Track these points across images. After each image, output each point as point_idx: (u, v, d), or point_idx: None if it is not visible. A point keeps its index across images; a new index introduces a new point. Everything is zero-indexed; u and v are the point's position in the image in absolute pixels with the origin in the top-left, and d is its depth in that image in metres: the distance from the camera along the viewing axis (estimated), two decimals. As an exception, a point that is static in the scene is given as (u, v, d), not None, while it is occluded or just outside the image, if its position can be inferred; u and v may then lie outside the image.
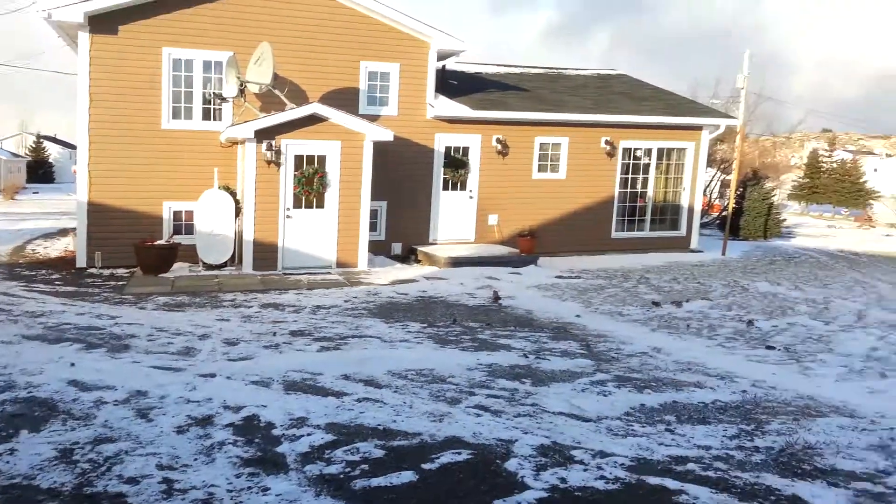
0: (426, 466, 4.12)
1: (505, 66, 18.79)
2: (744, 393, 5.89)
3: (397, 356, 6.74)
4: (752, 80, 18.82)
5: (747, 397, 5.77)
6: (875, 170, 63.40)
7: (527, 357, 6.91)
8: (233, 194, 12.08)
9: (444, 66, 15.01)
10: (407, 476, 3.96)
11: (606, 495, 3.80)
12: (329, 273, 12.04)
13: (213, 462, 4.07)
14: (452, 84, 15.56)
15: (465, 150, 14.66)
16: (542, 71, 18.94)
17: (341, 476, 3.94)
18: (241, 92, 12.33)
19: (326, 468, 4.03)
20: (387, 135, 12.34)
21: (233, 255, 12.12)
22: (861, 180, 44.43)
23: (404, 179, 14.12)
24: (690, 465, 4.26)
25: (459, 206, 14.77)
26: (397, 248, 14.27)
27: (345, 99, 13.12)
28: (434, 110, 14.01)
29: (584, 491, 3.84)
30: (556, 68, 19.43)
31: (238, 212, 12.03)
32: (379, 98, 13.80)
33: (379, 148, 12.70)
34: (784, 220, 24.81)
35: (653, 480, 3.99)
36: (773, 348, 7.76)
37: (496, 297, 10.33)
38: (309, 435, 4.54)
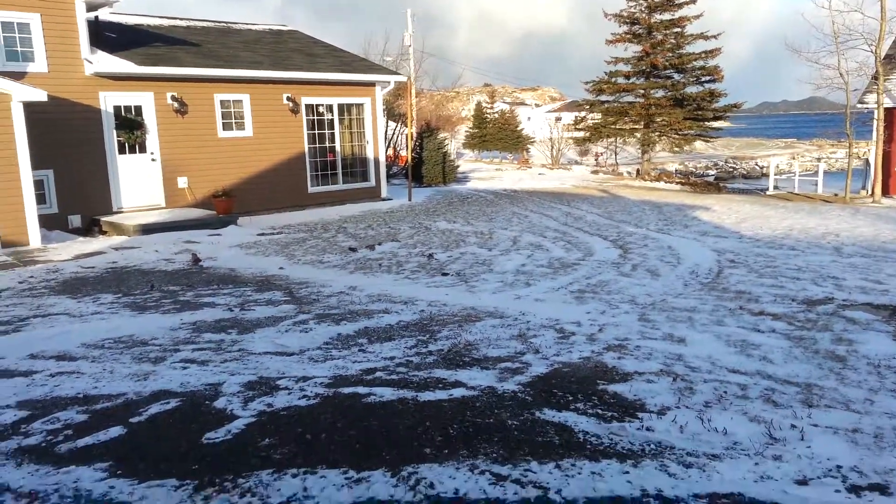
0: (134, 420, 4.26)
1: (168, 17, 17.85)
2: (422, 312, 6.95)
3: (91, 328, 6.48)
4: (417, 38, 20.59)
5: (424, 315, 6.83)
6: (528, 118, 73.53)
7: (231, 311, 7.16)
8: None
9: (96, 18, 13.78)
10: (115, 431, 4.07)
11: (308, 409, 4.37)
12: (-7, 255, 10.63)
13: None
14: (111, 37, 14.40)
15: (139, 109, 13.84)
16: (210, 24, 18.39)
17: (43, 445, 3.90)
18: None
19: (25, 440, 3.95)
20: (38, 94, 11.09)
21: None
22: (518, 128, 51.24)
23: (71, 144, 12.90)
24: (378, 374, 5.04)
25: (142, 170, 13.98)
26: (76, 220, 13.07)
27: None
28: (94, 66, 12.90)
29: (288, 410, 4.37)
30: (226, 22, 19.01)
31: None
32: (22, 53, 12.25)
33: (34, 110, 11.40)
34: (459, 166, 27.83)
35: (347, 390, 4.68)
36: (447, 274, 9.08)
37: (196, 260, 10.23)
38: (-2, 415, 4.33)
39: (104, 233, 12.98)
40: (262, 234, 13.08)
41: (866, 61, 21.35)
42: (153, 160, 14.09)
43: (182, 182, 14.46)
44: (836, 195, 21.72)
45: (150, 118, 13.95)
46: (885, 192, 20.81)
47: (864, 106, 21.53)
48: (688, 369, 5.03)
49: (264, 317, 6.91)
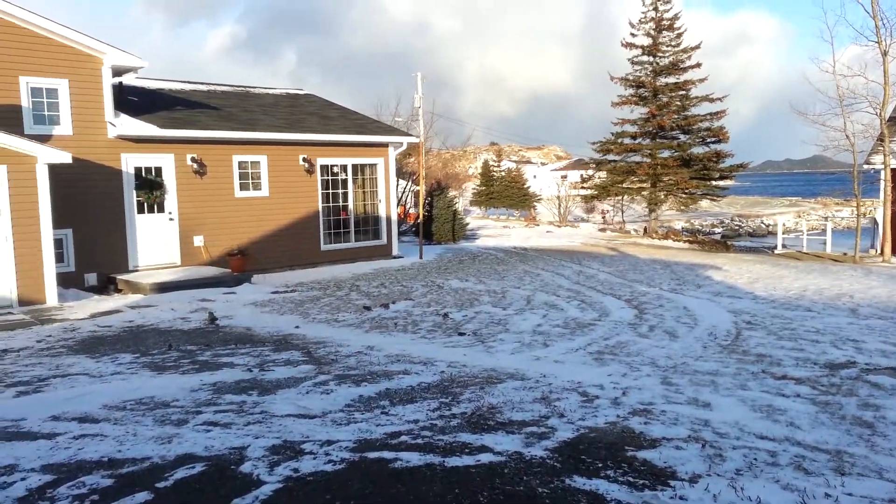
0: (161, 485, 4.22)
1: (190, 82, 18.42)
2: (442, 373, 6.93)
3: (112, 389, 6.48)
4: (427, 99, 21.26)
5: (445, 376, 6.81)
6: (535, 176, 74.52)
7: (251, 371, 7.16)
8: None
9: (121, 83, 14.25)
10: (142, 497, 4.04)
11: (335, 475, 4.34)
12: (11, 313, 10.71)
13: None
14: (133, 101, 14.86)
15: (158, 170, 14.13)
16: (229, 89, 18.97)
17: (70, 510, 3.87)
18: None
19: (52, 506, 3.92)
20: (63, 156, 11.36)
21: None
22: (525, 186, 51.86)
23: (92, 204, 13.14)
24: (403, 438, 5.01)
25: (160, 229, 14.18)
26: (91, 278, 13.19)
27: (4, 119, 11.78)
28: (117, 129, 13.26)
29: (315, 475, 4.33)
30: (244, 86, 19.62)
31: None
32: (49, 117, 12.63)
33: (58, 171, 11.66)
34: (468, 223, 28.08)
35: (373, 455, 4.64)
36: (463, 334, 9.08)
37: (212, 319, 10.27)
38: (23, 479, 4.30)
39: (119, 291, 13.07)
40: (276, 292, 13.15)
41: (871, 123, 21.71)
42: (171, 219, 14.31)
43: (198, 240, 14.64)
44: (845, 254, 21.74)
45: (169, 179, 14.24)
46: (895, 251, 20.83)
47: (871, 166, 21.78)
48: (716, 435, 4.98)
49: (284, 377, 6.90)
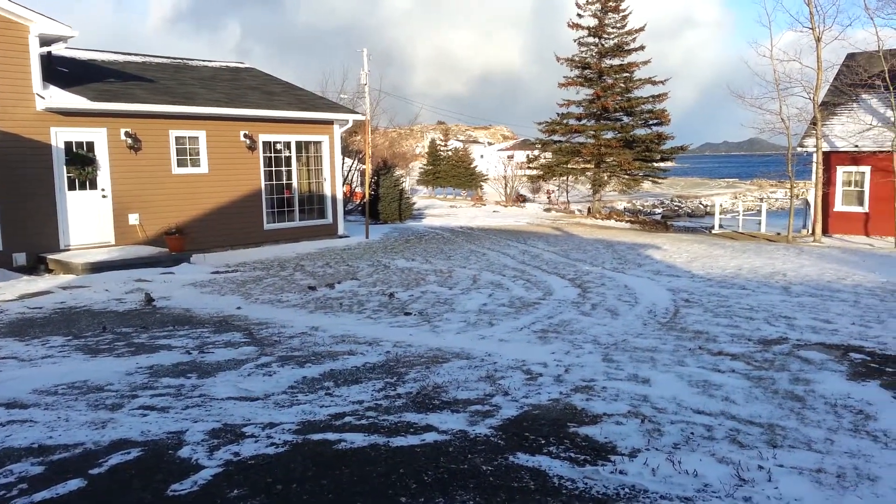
0: (94, 471, 4.07)
1: (124, 53, 17.67)
2: (387, 353, 6.89)
3: (42, 373, 6.21)
4: (374, 76, 21.05)
5: (390, 356, 6.77)
6: (482, 156, 74.68)
7: (190, 353, 6.97)
8: None
9: (49, 53, 13.53)
10: (75, 483, 3.89)
11: (277, 457, 4.26)
12: (-69, 295, 10.15)
13: None
14: (63, 72, 14.16)
15: (90, 145, 13.53)
16: (165, 61, 18.26)
17: (-4, 501, 3.70)
18: None
19: (-24, 497, 3.74)
20: (-15, 130, 10.76)
21: None
22: (472, 166, 51.87)
23: (19, 181, 12.51)
24: (347, 419, 4.96)
25: (92, 207, 13.61)
26: (20, 258, 12.59)
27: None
28: (45, 101, 12.61)
29: (256, 458, 4.25)
30: (181, 58, 18.91)
31: None
32: (-32, 88, 11.91)
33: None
34: (414, 203, 27.97)
35: (316, 437, 4.58)
36: (409, 314, 9.05)
37: (149, 300, 9.95)
38: (-56, 470, 4.08)
39: (50, 271, 12.53)
40: (217, 273, 12.83)
41: (805, 107, 22.50)
42: (104, 197, 13.74)
43: (133, 219, 14.12)
44: (778, 234, 22.58)
45: (102, 154, 13.64)
46: (825, 231, 21.74)
47: (804, 149, 22.59)
48: (654, 410, 5.10)
49: (224, 360, 6.74)
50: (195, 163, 15.14)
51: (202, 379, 6.06)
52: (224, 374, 6.23)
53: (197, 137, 15.11)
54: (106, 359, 6.80)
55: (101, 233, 13.74)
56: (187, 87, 16.22)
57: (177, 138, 14.79)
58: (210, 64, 19.37)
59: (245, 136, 15.83)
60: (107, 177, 13.73)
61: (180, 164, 14.90)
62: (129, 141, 13.90)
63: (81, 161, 13.31)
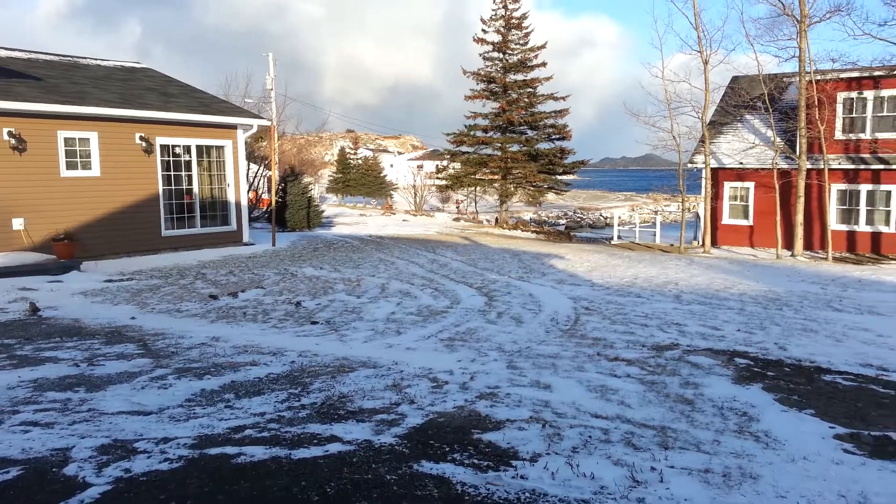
0: (-34, 496, 3.77)
1: (6, 48, 16.55)
2: (292, 363, 6.75)
3: None
4: (280, 82, 20.65)
5: (295, 366, 6.64)
6: (391, 165, 74.68)
7: (78, 366, 6.57)
8: None
9: None
10: (-58, 510, 3.58)
11: (171, 473, 4.08)
12: None
13: None
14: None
15: (-28, 144, 12.55)
16: (54, 58, 17.26)
17: None
18: None
19: None
20: None
21: None
22: (382, 175, 51.84)
23: None
24: (248, 431, 4.82)
25: (-30, 210, 12.61)
26: None
27: None
28: (-84, 97, 11.62)
29: (149, 475, 4.05)
30: (72, 56, 17.92)
31: None
32: None
33: None
34: (323, 211, 27.59)
35: (214, 451, 4.43)
36: (316, 323, 8.92)
37: (34, 309, 9.32)
38: None
39: (-81, 279, 11.50)
40: (111, 281, 12.18)
41: (695, 126, 23.91)
42: (-17, 198, 12.77)
43: (17, 223, 13.19)
44: (672, 245, 23.82)
45: (-19, 153, 12.68)
46: (714, 242, 23.12)
47: (694, 165, 23.97)
48: (555, 415, 5.26)
49: (116, 372, 6.40)
50: (86, 165, 14.33)
51: (91, 393, 5.72)
52: (115, 387, 5.91)
53: (88, 139, 14.31)
54: (-18, 373, 6.30)
55: (-22, 238, 12.74)
56: (78, 85, 15.36)
57: (66, 139, 13.95)
58: (104, 63, 18.42)
59: (141, 138, 15.13)
60: (-14, 178, 12.76)
61: (70, 166, 14.06)
62: (13, 141, 12.99)
63: (-43, 160, 12.33)
